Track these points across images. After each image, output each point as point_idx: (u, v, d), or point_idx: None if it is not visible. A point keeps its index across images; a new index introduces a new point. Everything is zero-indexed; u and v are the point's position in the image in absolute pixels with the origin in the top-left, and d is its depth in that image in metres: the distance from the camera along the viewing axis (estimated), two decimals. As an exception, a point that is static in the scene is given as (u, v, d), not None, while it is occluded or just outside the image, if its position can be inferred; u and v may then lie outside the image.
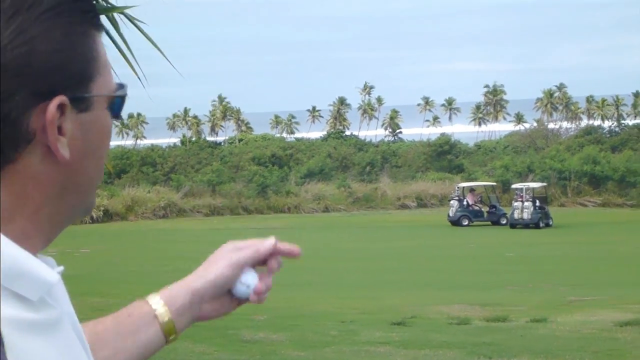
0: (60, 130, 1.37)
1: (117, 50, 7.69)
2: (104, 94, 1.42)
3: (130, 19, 6.34)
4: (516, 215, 50.16)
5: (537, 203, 50.15)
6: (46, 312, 1.42)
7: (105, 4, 7.90)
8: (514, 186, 54.73)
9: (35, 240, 1.43)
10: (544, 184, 56.39)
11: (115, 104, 1.45)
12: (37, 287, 1.39)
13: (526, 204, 50.05)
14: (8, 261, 1.38)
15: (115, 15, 7.95)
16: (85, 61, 1.40)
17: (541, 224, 49.10)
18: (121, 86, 1.47)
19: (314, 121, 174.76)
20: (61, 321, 1.46)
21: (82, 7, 1.41)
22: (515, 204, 50.76)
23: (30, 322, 1.38)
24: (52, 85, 1.35)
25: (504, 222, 51.51)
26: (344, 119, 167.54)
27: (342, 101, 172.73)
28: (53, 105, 1.35)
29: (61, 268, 1.47)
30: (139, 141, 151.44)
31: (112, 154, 61.67)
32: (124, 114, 1.49)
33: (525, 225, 49.24)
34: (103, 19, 7.79)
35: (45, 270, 1.41)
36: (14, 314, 1.37)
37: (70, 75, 1.37)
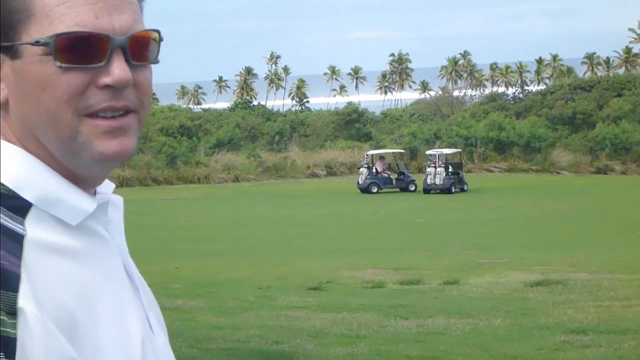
0: None
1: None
2: (29, 41, 1.46)
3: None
4: (429, 180, 50.51)
5: (450, 169, 50.58)
6: (86, 240, 1.52)
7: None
8: (427, 152, 55.05)
9: (62, 173, 1.53)
10: (458, 150, 56.73)
11: (57, 48, 1.46)
12: (74, 213, 1.50)
13: (439, 169, 50.41)
14: (45, 187, 1.50)
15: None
16: (8, 11, 1.49)
17: (453, 190, 49.50)
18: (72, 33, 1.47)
19: (220, 91, 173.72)
20: (107, 252, 1.57)
21: None
22: (429, 169, 51.10)
23: (62, 244, 1.49)
24: None
25: (413, 188, 51.83)
26: (251, 89, 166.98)
27: (248, 71, 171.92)
28: None
29: (106, 200, 1.60)
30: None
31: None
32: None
33: (439, 190, 49.66)
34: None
35: (78, 197, 1.51)
36: (47, 236, 1.47)
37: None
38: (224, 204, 44.44)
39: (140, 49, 1.51)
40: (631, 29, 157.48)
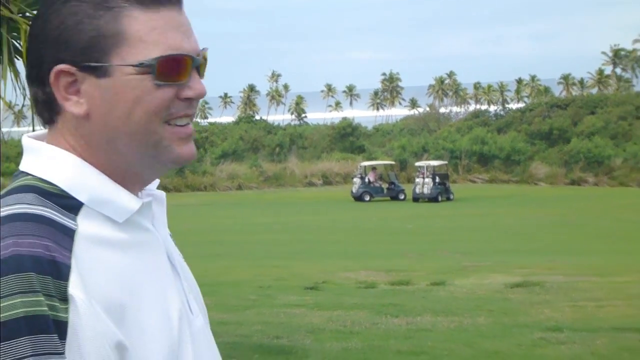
0: (78, 92, 1.55)
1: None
2: (123, 63, 1.54)
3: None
4: (417, 190, 50.69)
5: (437, 179, 50.70)
6: (133, 233, 1.58)
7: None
8: (416, 164, 55.20)
9: (116, 178, 1.59)
10: (445, 162, 56.86)
11: (158, 69, 1.54)
12: (120, 212, 1.55)
13: (426, 180, 50.57)
14: (92, 189, 1.55)
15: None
16: (99, 36, 1.54)
17: (440, 199, 49.62)
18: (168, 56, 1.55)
19: (225, 107, 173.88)
20: (151, 244, 1.62)
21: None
22: (417, 180, 51.32)
23: (109, 238, 1.54)
24: (65, 51, 1.54)
25: (402, 197, 51.97)
26: (254, 105, 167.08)
27: (251, 88, 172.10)
28: (57, 70, 1.54)
29: (150, 199, 1.65)
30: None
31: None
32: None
33: (427, 199, 49.77)
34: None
35: (125, 198, 1.57)
36: (96, 231, 1.52)
37: (78, 48, 1.54)
38: (228, 210, 44.50)
39: (204, 66, 1.64)
40: (603, 52, 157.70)
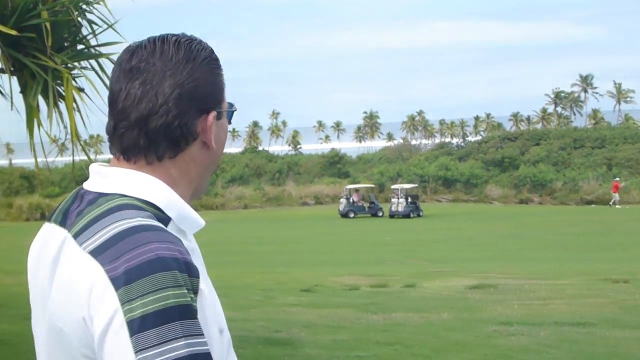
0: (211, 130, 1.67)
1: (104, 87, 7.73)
2: (227, 109, 1.71)
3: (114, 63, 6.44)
4: (393, 208, 50.64)
5: (409, 199, 50.76)
6: (192, 242, 1.65)
7: (94, 51, 7.94)
8: (392, 186, 55.16)
9: (187, 200, 1.67)
10: (415, 185, 56.95)
11: (229, 115, 1.74)
12: (194, 226, 1.65)
13: (400, 200, 50.60)
14: (179, 209, 1.62)
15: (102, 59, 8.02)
16: (220, 90, 1.69)
17: (412, 215, 49.61)
18: (231, 105, 1.74)
19: (234, 139, 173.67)
20: (198, 256, 1.67)
21: (216, 58, 1.68)
22: (393, 200, 51.28)
23: (191, 247, 1.61)
24: (209, 104, 1.65)
25: (381, 214, 51.87)
26: (257, 138, 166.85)
27: (255, 124, 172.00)
28: (211, 116, 1.66)
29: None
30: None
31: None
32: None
33: (401, 215, 49.79)
34: (92, 63, 7.83)
35: (199, 217, 1.66)
36: (184, 241, 1.57)
37: (216, 97, 1.67)
38: (236, 225, 44.38)
39: None
40: (547, 94, 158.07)
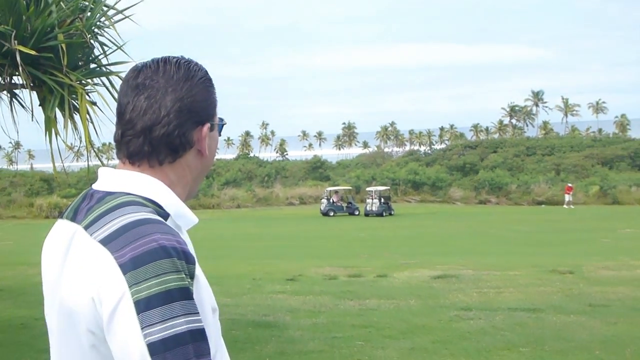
0: (205, 140, 1.70)
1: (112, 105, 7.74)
2: (217, 122, 1.74)
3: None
4: (368, 208, 50.69)
5: (382, 200, 50.84)
6: (186, 237, 1.66)
7: (105, 70, 7.95)
8: (367, 189, 55.24)
9: (182, 200, 1.70)
10: (388, 187, 56.99)
11: (220, 127, 1.76)
12: (189, 222, 1.67)
13: (375, 200, 50.67)
14: (177, 207, 1.65)
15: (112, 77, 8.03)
16: (213, 105, 1.72)
17: (384, 214, 49.69)
18: (221, 119, 1.77)
19: (228, 147, 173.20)
20: (190, 243, 1.69)
21: (209, 78, 1.74)
22: (368, 200, 51.34)
23: (187, 240, 1.63)
24: (203, 117, 1.69)
25: (357, 213, 51.90)
26: (249, 145, 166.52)
27: (247, 133, 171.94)
28: (205, 128, 1.70)
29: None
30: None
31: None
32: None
33: (375, 214, 49.83)
34: (103, 80, 7.83)
35: (193, 215, 1.69)
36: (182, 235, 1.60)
37: (210, 111, 1.70)
38: (229, 223, 44.30)
39: None
40: (503, 108, 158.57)
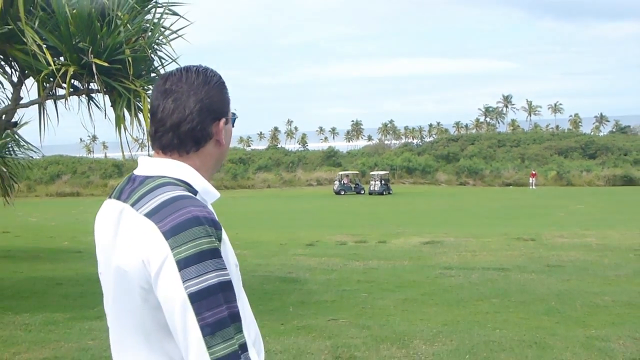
0: (222, 132, 1.67)
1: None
2: (231, 117, 1.70)
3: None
4: (371, 188, 50.63)
5: (383, 182, 50.77)
6: (212, 208, 1.64)
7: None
8: (371, 173, 55.19)
9: (207, 180, 1.67)
10: (387, 172, 56.94)
11: (233, 120, 1.72)
12: (212, 197, 1.65)
13: (377, 182, 50.62)
14: (203, 185, 1.63)
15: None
16: (227, 103, 1.68)
17: (385, 193, 49.61)
18: (234, 114, 1.73)
19: (260, 139, 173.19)
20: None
21: (223, 81, 1.70)
22: (372, 182, 51.31)
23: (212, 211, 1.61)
24: (220, 114, 1.66)
25: (363, 192, 51.86)
26: (277, 138, 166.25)
27: (276, 128, 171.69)
28: (222, 122, 1.67)
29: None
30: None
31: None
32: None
33: (377, 193, 49.77)
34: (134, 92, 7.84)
35: (215, 191, 1.67)
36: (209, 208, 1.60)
37: (224, 109, 1.67)
38: (262, 201, 44.43)
39: None
40: (479, 109, 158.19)
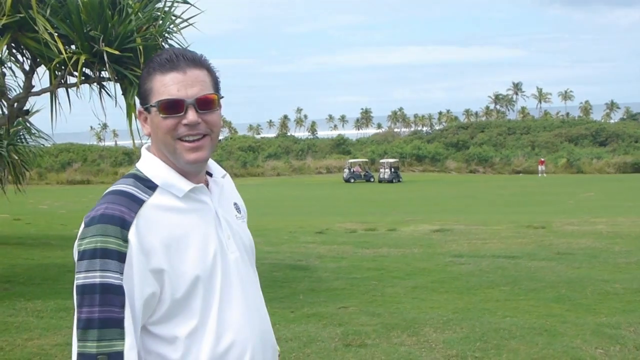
0: (146, 120, 1.64)
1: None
2: (147, 105, 1.62)
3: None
4: (381, 176, 50.59)
5: (392, 170, 50.68)
6: (190, 203, 1.62)
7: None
8: (380, 161, 55.14)
9: (179, 171, 1.65)
10: (397, 160, 56.83)
11: (159, 107, 1.59)
12: (180, 191, 1.61)
13: (386, 170, 50.55)
14: (165, 177, 1.62)
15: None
16: (144, 91, 1.63)
17: (394, 181, 49.55)
18: (160, 102, 1.60)
19: (270, 127, 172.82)
20: (203, 210, 1.63)
21: (150, 64, 1.62)
22: (381, 170, 51.26)
23: (170, 206, 1.59)
24: (142, 102, 1.64)
25: (372, 180, 51.86)
26: (287, 126, 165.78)
27: (285, 117, 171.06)
28: (138, 110, 1.66)
29: (201, 184, 1.66)
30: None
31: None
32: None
33: (387, 181, 49.69)
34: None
35: (182, 183, 1.62)
36: (161, 200, 1.58)
37: (145, 97, 1.63)
38: (271, 188, 44.47)
39: (204, 104, 1.59)
40: (489, 96, 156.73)
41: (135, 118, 7.62)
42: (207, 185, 1.71)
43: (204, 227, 1.61)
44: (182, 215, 1.58)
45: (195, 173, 1.66)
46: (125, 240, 1.48)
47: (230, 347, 1.59)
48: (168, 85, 1.57)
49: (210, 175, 1.75)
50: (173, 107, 1.57)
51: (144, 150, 1.67)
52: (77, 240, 1.52)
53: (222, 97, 1.66)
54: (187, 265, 1.55)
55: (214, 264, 1.59)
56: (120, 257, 1.47)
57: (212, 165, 1.77)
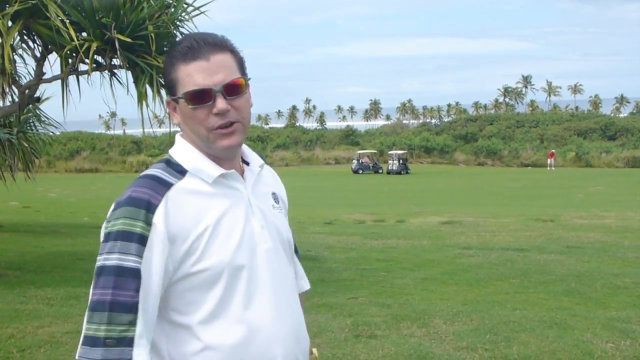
0: (175, 110, 1.61)
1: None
2: (176, 96, 1.58)
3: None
4: (389, 167, 50.55)
5: (401, 161, 50.62)
6: (220, 188, 1.59)
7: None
8: (389, 152, 55.05)
9: (212, 158, 1.63)
10: (406, 151, 56.75)
11: (187, 98, 1.55)
12: (209, 176, 1.58)
13: (395, 161, 50.48)
14: (195, 163, 1.60)
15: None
16: (170, 81, 1.60)
17: (403, 173, 49.50)
18: (187, 93, 1.56)
19: (279, 118, 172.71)
20: (234, 196, 1.60)
21: (172, 54, 1.58)
22: (390, 161, 51.20)
23: (197, 190, 1.56)
24: (170, 92, 1.61)
25: (381, 172, 51.86)
26: (295, 117, 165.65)
27: (294, 107, 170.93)
28: (166, 101, 1.65)
29: (232, 170, 1.62)
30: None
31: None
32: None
33: (395, 173, 49.62)
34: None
35: (212, 168, 1.59)
36: (191, 184, 1.56)
37: (173, 87, 1.60)
38: (281, 179, 44.43)
39: (232, 90, 1.55)
40: (499, 89, 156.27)
41: (146, 106, 7.61)
42: (243, 173, 1.67)
43: (234, 213, 1.57)
44: (211, 199, 1.55)
45: (228, 159, 1.63)
46: (149, 224, 1.45)
47: (253, 338, 1.54)
48: (192, 74, 1.54)
49: (247, 164, 1.72)
50: (201, 96, 1.54)
51: (177, 137, 1.65)
52: (104, 223, 1.50)
53: (249, 78, 1.62)
54: (212, 250, 1.51)
55: (240, 252, 1.55)
56: (142, 240, 1.45)
57: (251, 154, 1.74)
